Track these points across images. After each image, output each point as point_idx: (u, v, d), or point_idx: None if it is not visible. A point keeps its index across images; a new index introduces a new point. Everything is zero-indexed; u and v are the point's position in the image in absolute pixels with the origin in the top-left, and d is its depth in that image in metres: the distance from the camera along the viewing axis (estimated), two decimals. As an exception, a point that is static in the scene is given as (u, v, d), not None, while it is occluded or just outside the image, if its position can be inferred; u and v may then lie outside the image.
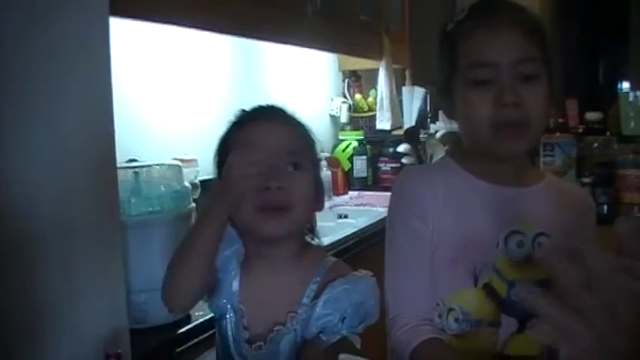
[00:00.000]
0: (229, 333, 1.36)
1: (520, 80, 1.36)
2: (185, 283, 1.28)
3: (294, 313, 1.34)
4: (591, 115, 4.47)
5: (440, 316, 1.42)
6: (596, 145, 4.26)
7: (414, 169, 1.58)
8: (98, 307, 1.57)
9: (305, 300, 1.34)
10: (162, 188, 1.94)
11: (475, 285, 1.41)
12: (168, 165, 1.98)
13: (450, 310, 1.41)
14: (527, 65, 1.37)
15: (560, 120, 4.44)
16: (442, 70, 1.48)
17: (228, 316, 1.36)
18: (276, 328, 1.33)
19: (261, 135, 1.33)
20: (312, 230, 1.43)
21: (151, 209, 1.89)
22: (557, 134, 4.22)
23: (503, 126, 1.36)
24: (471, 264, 1.41)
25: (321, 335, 1.31)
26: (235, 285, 1.35)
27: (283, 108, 1.40)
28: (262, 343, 1.33)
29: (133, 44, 2.64)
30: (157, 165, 1.96)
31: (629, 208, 3.93)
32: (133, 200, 1.88)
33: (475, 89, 1.38)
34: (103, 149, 1.59)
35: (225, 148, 1.35)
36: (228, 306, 1.35)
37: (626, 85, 4.82)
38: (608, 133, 4.38)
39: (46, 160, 1.45)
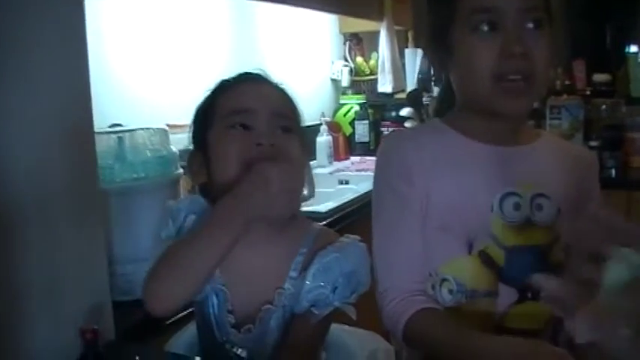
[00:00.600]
0: (212, 318, 1.28)
1: (526, 29, 1.26)
2: (181, 292, 1.14)
3: (281, 289, 1.26)
4: (599, 77, 4.38)
5: (433, 288, 1.34)
6: (604, 107, 4.19)
7: (399, 131, 1.49)
8: (78, 279, 1.51)
9: (292, 273, 1.27)
10: (148, 154, 1.87)
11: (470, 253, 1.32)
12: (153, 129, 1.91)
13: (444, 280, 1.33)
14: (533, 13, 1.27)
15: (568, 82, 4.36)
16: (436, 14, 1.39)
17: (210, 300, 1.28)
18: (264, 307, 1.26)
19: (248, 97, 1.26)
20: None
21: (135, 176, 1.83)
22: (565, 96, 4.16)
23: (508, 79, 1.26)
24: (465, 230, 1.32)
25: (312, 309, 1.24)
26: None
27: (267, 74, 1.34)
28: (251, 326, 1.26)
29: (127, 8, 2.56)
30: (142, 129, 1.88)
31: (637, 171, 3.87)
32: (116, 166, 1.81)
33: (477, 37, 1.28)
34: (79, 115, 1.52)
35: (208, 115, 1.27)
36: (209, 288, 1.27)
37: (634, 48, 4.70)
38: (616, 96, 4.29)
39: (19, 127, 1.37)
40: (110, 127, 1.98)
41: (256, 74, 1.33)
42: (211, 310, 1.28)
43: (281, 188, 1.14)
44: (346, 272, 1.24)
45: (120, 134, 1.85)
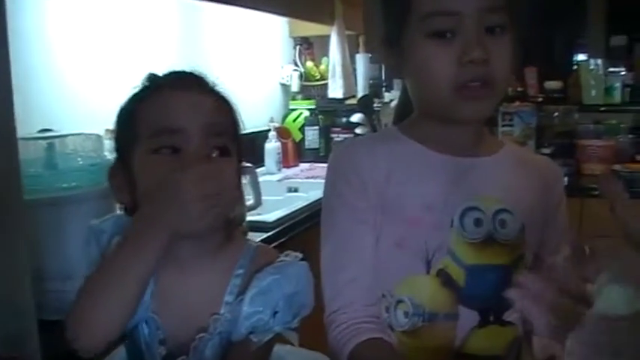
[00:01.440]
0: (142, 348, 1.16)
1: (486, 33, 1.16)
2: (110, 324, 1.02)
3: (217, 315, 1.15)
4: (551, 84, 4.38)
5: (387, 310, 1.24)
6: (556, 114, 4.20)
7: (352, 140, 1.38)
8: None
9: (228, 297, 1.16)
10: (80, 161, 1.75)
11: (428, 272, 1.22)
12: (86, 135, 1.78)
13: (399, 302, 1.22)
14: (494, 14, 1.16)
15: (520, 89, 4.34)
16: (388, 18, 1.27)
17: (140, 329, 1.15)
18: (198, 336, 1.14)
19: (180, 110, 1.11)
20: (233, 223, 1.22)
21: (66, 185, 1.70)
22: (517, 103, 4.15)
23: (467, 86, 1.16)
24: (422, 247, 1.22)
25: (251, 336, 1.13)
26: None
27: (203, 75, 1.19)
28: (185, 357, 1.14)
29: (68, 8, 2.42)
30: (73, 135, 1.76)
31: (590, 178, 3.87)
32: (45, 175, 1.68)
33: (433, 42, 1.17)
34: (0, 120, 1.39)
35: (131, 127, 1.13)
36: (139, 316, 1.13)
37: (581, 56, 4.73)
38: (568, 103, 4.29)
39: None
40: (39, 132, 1.85)
41: (187, 75, 1.18)
42: (142, 340, 1.16)
43: (196, 196, 1.02)
44: (287, 295, 1.14)
45: (49, 140, 1.73)
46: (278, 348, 1.25)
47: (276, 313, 1.13)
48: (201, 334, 1.14)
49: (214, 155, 1.10)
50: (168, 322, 1.15)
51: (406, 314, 1.22)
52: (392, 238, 1.23)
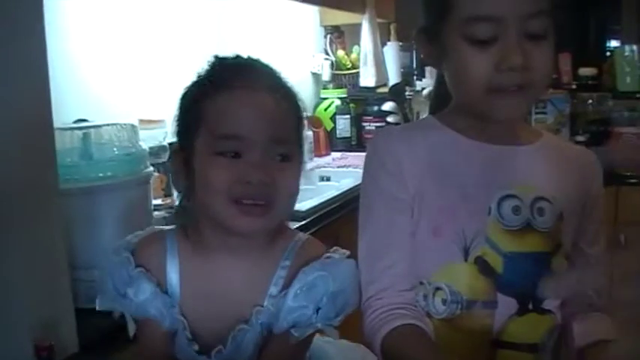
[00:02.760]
0: (178, 346, 1.17)
1: (527, 38, 1.14)
2: None
3: (260, 307, 1.15)
4: (585, 71, 4.33)
5: (425, 298, 1.22)
6: (590, 101, 4.15)
7: (390, 128, 1.37)
8: (33, 287, 1.40)
9: (272, 290, 1.16)
10: (115, 151, 1.76)
11: (465, 259, 1.21)
12: (121, 125, 1.79)
13: (437, 289, 1.21)
14: (536, 21, 1.14)
15: (554, 76, 4.28)
16: (429, 11, 1.26)
17: (172, 329, 1.17)
18: (238, 327, 1.14)
19: (249, 118, 1.10)
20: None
21: (101, 174, 1.71)
22: (550, 90, 4.08)
23: (505, 90, 1.15)
24: (460, 234, 1.21)
25: (292, 330, 1.13)
26: (175, 281, 1.17)
27: (269, 66, 1.18)
28: (222, 347, 1.15)
29: (93, 8, 2.41)
30: (108, 125, 1.76)
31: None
32: (81, 165, 1.69)
33: (473, 47, 1.15)
34: (37, 110, 1.42)
35: (195, 118, 1.12)
36: (170, 319, 1.17)
37: (615, 42, 4.68)
38: (602, 90, 4.24)
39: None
40: (75, 122, 1.86)
41: (256, 70, 1.16)
42: (176, 340, 1.17)
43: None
44: (332, 292, 1.13)
45: (85, 130, 1.73)
46: (317, 338, 1.25)
47: (319, 309, 1.13)
48: (242, 326, 1.14)
49: (275, 162, 1.10)
50: (206, 316, 1.16)
51: (444, 302, 1.21)
52: (429, 226, 1.22)
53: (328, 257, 1.17)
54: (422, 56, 1.38)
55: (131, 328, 1.19)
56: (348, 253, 1.20)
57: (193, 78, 1.17)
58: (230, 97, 1.10)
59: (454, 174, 1.24)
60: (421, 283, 1.23)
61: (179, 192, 1.22)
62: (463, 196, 1.22)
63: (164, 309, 1.15)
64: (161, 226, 1.26)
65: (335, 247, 1.21)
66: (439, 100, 1.35)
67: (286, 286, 1.14)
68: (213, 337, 1.15)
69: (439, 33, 1.20)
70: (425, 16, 1.27)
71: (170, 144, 1.37)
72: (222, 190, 1.07)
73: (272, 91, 1.13)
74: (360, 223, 1.30)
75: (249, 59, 1.17)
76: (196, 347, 1.15)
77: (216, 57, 1.17)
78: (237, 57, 1.18)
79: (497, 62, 1.13)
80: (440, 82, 1.34)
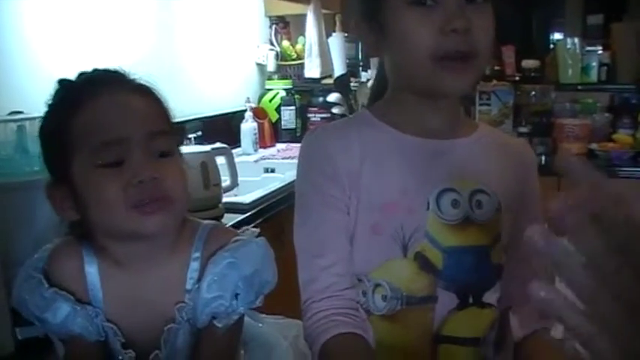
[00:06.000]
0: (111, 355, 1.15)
1: (468, 2, 1.12)
2: None
3: (182, 303, 1.13)
4: (528, 63, 4.38)
5: (365, 294, 1.21)
6: (533, 93, 4.20)
7: (324, 126, 1.33)
8: None
9: (188, 284, 1.14)
10: (52, 144, 1.70)
11: (405, 255, 1.19)
12: (58, 117, 1.73)
13: (377, 286, 1.20)
14: None
15: (497, 67, 4.33)
16: None
17: (101, 338, 1.14)
18: (166, 327, 1.12)
19: (116, 121, 1.07)
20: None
21: (37, 168, 1.65)
22: (494, 82, 4.12)
23: (449, 57, 1.12)
24: (399, 231, 1.19)
25: (214, 322, 1.12)
26: (96, 286, 1.15)
27: (117, 70, 1.15)
28: (158, 352, 1.13)
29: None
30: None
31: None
32: (16, 158, 1.64)
33: (414, 11, 1.12)
34: None
35: (65, 142, 1.07)
36: (96, 327, 1.14)
37: (558, 35, 4.74)
38: (545, 82, 4.30)
39: None
40: (10, 114, 1.81)
41: (112, 75, 1.14)
42: (107, 349, 1.15)
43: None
44: (245, 276, 1.13)
45: (20, 122, 1.68)
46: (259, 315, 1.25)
47: (237, 295, 1.12)
48: (170, 325, 1.13)
49: (157, 158, 1.08)
50: (133, 323, 1.14)
51: (384, 298, 1.19)
52: (368, 224, 1.21)
53: (236, 241, 1.15)
54: (364, 45, 1.34)
55: (59, 348, 1.17)
56: (257, 232, 1.19)
57: (45, 109, 1.14)
58: (97, 106, 1.07)
59: (391, 170, 1.21)
60: (360, 280, 1.21)
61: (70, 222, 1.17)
62: (401, 192, 1.20)
63: (88, 322, 1.12)
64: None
65: (244, 228, 1.20)
66: (379, 90, 1.33)
67: (201, 278, 1.13)
68: (148, 343, 1.13)
69: (379, 10, 1.18)
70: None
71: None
72: (117, 200, 1.04)
73: (134, 90, 1.11)
74: (295, 221, 1.27)
75: (96, 70, 1.15)
76: (132, 354, 1.13)
77: (61, 80, 1.15)
78: (82, 73, 1.15)
79: (441, 25, 1.10)
80: (380, 73, 1.32)
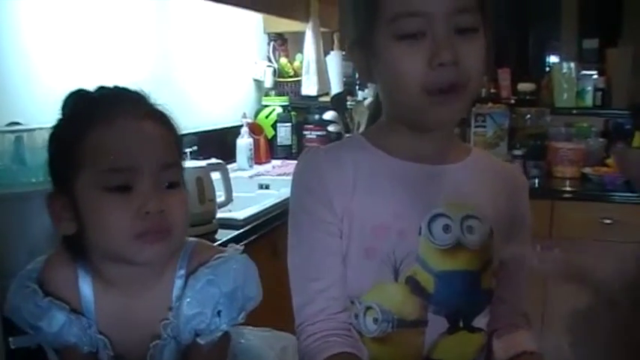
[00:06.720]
0: None
1: (457, 34, 1.13)
2: None
3: (166, 320, 1.14)
4: (524, 86, 4.39)
5: (356, 317, 1.22)
6: (528, 116, 4.22)
7: (317, 149, 1.34)
8: None
9: (174, 301, 1.15)
10: (49, 155, 1.71)
11: (396, 279, 1.20)
12: (55, 129, 1.74)
13: (368, 308, 1.21)
14: (465, 15, 1.13)
15: (493, 90, 4.35)
16: (358, 18, 1.24)
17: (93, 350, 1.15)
18: (152, 344, 1.14)
19: (129, 150, 1.07)
20: None
21: (34, 180, 1.66)
22: (490, 105, 4.14)
23: (437, 89, 1.13)
24: (390, 254, 1.20)
25: (197, 339, 1.13)
26: (89, 298, 1.15)
27: (139, 92, 1.15)
28: None
29: (45, 4, 2.38)
30: (42, 129, 1.71)
31: (561, 181, 3.89)
32: (13, 169, 1.65)
33: (402, 44, 1.13)
34: None
35: (74, 155, 1.08)
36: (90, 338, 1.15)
37: (554, 58, 4.76)
38: (540, 105, 4.32)
39: None
40: (8, 125, 1.82)
41: (131, 96, 1.14)
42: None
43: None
44: (227, 292, 1.14)
45: (17, 133, 1.69)
46: (242, 331, 1.28)
47: (219, 312, 1.13)
48: (155, 342, 1.14)
49: (164, 190, 1.09)
50: (123, 338, 1.15)
51: (375, 321, 1.20)
52: (360, 248, 1.21)
53: (218, 258, 1.16)
54: (357, 70, 1.35)
55: (52, 358, 1.17)
56: (240, 249, 1.20)
57: (59, 117, 1.14)
58: (111, 129, 1.07)
59: (383, 195, 1.23)
60: (352, 303, 1.22)
61: (64, 236, 1.16)
62: (393, 216, 1.21)
63: (81, 332, 1.13)
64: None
65: (230, 244, 1.21)
66: (376, 114, 1.34)
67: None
68: (136, 358, 1.14)
69: (370, 39, 1.19)
70: (355, 26, 1.26)
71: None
72: (122, 228, 1.05)
73: (150, 116, 1.12)
74: (289, 244, 1.28)
75: (117, 88, 1.15)
76: None
77: (79, 90, 1.14)
78: (102, 88, 1.15)
79: (429, 59, 1.11)
80: (376, 97, 1.33)
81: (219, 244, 2.13)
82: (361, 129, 1.75)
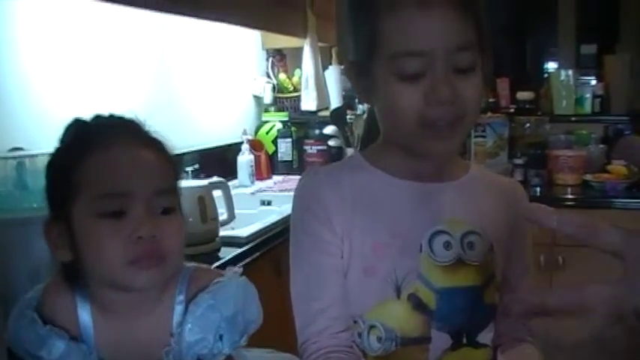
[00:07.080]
0: None
1: (455, 72, 1.14)
2: None
3: (168, 347, 1.14)
4: (523, 95, 4.40)
5: (360, 335, 1.23)
6: (528, 125, 4.21)
7: (317, 170, 1.36)
8: None
9: (175, 327, 1.15)
10: (51, 181, 1.72)
11: (398, 296, 1.21)
12: (56, 154, 1.75)
13: (371, 327, 1.21)
14: (464, 54, 1.14)
15: (492, 99, 4.35)
16: (358, 46, 1.25)
17: None
18: None
19: (123, 175, 1.09)
20: None
21: (36, 205, 1.67)
22: (489, 114, 4.14)
23: (435, 125, 1.15)
24: (392, 272, 1.21)
25: None
26: (88, 324, 1.15)
27: (134, 120, 1.17)
28: None
29: (39, 24, 2.38)
30: (44, 154, 1.72)
31: (562, 189, 3.88)
32: (15, 194, 1.66)
33: (401, 82, 1.15)
34: None
35: (70, 181, 1.09)
36: None
37: (552, 65, 4.78)
38: (539, 113, 4.32)
39: None
40: (10, 150, 1.83)
41: (127, 125, 1.16)
42: None
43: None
44: (228, 317, 1.14)
45: (19, 159, 1.70)
46: (249, 352, 1.27)
47: (221, 336, 1.13)
48: None
49: (159, 216, 1.10)
50: (125, 358, 1.16)
51: (379, 339, 1.21)
52: (361, 266, 1.23)
53: (217, 282, 1.17)
54: (355, 89, 1.36)
55: None
56: (240, 271, 1.20)
57: (57, 145, 1.16)
58: (106, 156, 1.09)
59: (383, 214, 1.24)
60: (355, 322, 1.23)
61: (62, 263, 1.17)
62: (393, 235, 1.22)
63: (82, 359, 1.13)
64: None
65: (229, 267, 1.22)
66: (370, 134, 1.35)
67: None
68: None
69: (369, 68, 1.20)
70: (354, 51, 1.27)
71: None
72: (116, 254, 1.06)
73: (145, 143, 1.13)
74: (291, 264, 1.30)
75: (112, 116, 1.17)
76: None
77: (76, 120, 1.16)
78: (99, 116, 1.16)
79: (427, 96, 1.13)
80: (371, 117, 1.35)
81: (223, 263, 2.14)
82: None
